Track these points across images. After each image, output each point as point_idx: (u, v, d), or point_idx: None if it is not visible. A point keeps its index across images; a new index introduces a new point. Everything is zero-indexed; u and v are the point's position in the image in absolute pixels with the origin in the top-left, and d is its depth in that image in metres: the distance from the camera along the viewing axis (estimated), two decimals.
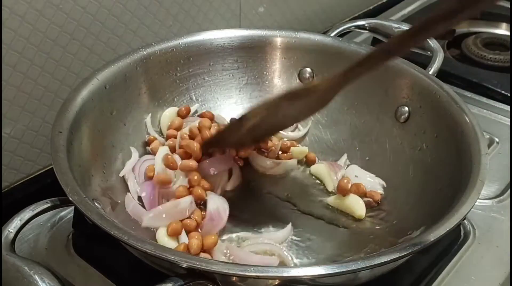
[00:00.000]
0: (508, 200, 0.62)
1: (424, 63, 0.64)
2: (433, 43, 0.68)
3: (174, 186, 0.55)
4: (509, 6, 1.00)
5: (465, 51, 0.90)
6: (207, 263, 0.39)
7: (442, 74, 0.64)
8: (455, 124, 0.53)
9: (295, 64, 0.67)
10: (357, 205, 0.56)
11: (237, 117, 0.54)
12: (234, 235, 0.54)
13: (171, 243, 0.51)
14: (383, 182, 0.59)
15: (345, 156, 0.63)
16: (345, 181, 0.57)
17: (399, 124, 0.60)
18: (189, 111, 0.64)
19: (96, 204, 0.46)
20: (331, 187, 0.60)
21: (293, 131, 0.67)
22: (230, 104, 0.67)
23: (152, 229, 0.52)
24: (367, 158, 0.62)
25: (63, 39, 0.60)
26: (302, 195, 0.60)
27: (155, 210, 0.52)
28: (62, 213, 0.58)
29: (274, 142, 0.64)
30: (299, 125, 0.67)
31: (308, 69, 0.66)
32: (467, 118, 0.53)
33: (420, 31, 0.42)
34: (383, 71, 0.62)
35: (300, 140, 0.66)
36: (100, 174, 0.53)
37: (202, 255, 0.50)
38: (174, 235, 0.51)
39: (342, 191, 0.57)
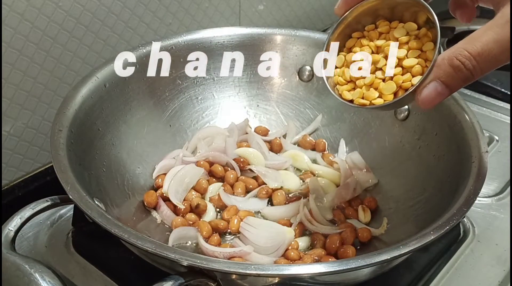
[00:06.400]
0: (508, 198, 0.62)
1: None
2: None
3: None
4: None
5: None
6: (207, 261, 0.39)
7: None
8: (454, 122, 0.53)
9: (295, 62, 0.66)
10: None
11: None
12: None
13: None
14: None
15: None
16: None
17: (398, 122, 0.60)
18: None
19: (96, 202, 0.46)
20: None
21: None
22: (229, 102, 0.67)
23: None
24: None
25: (62, 37, 0.60)
26: None
27: None
28: (62, 211, 0.58)
29: None
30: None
31: (308, 67, 0.66)
32: (466, 116, 0.53)
33: None
34: None
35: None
36: (100, 172, 0.53)
37: None
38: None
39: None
